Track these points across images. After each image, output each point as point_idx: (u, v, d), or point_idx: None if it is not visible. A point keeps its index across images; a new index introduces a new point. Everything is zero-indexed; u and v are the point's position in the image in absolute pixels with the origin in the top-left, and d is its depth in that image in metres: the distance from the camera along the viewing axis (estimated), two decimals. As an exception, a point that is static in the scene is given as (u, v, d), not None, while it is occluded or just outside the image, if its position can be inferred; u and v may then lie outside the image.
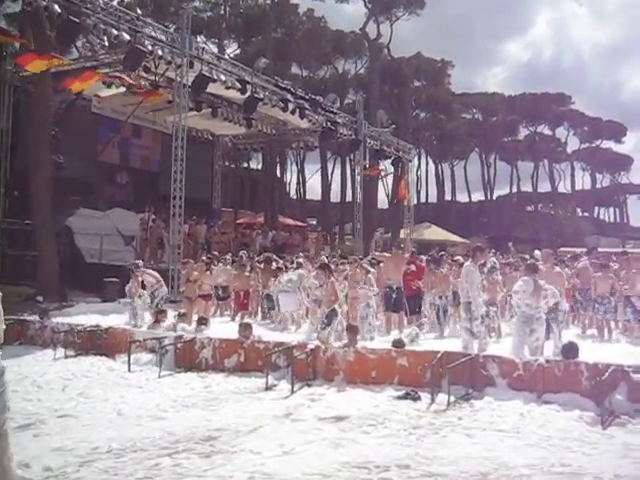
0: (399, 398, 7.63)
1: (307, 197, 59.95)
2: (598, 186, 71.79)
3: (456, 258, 13.47)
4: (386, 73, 49.03)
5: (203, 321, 10.96)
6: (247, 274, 14.79)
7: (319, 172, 55.10)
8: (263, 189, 44.48)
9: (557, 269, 10.25)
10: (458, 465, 5.24)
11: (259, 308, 14.81)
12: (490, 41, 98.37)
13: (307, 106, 24.84)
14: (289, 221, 40.56)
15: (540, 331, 9.04)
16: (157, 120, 27.12)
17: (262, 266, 14.82)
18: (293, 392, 7.97)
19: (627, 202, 74.03)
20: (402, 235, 32.14)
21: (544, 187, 67.64)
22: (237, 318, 14.32)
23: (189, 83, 20.19)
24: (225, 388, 8.26)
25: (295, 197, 60.75)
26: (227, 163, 46.75)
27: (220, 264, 15.06)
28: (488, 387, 7.72)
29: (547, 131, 66.01)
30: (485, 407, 7.16)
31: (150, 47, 18.21)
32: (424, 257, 14.62)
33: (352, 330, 9.08)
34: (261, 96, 22.50)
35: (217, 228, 25.55)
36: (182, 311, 12.22)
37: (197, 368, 9.43)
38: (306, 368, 8.49)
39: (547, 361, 7.59)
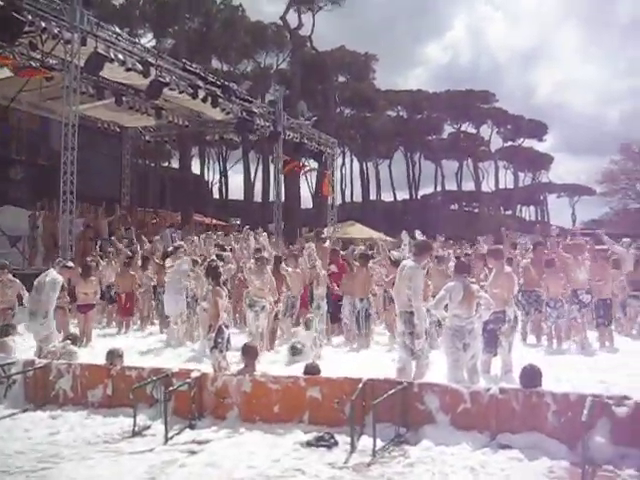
0: (309, 445, 5.68)
1: (231, 197, 57.66)
2: (520, 185, 72.25)
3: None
4: (309, 67, 47.44)
5: (70, 337, 8.79)
6: (132, 272, 12.64)
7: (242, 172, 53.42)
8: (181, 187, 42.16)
9: (507, 269, 8.45)
10: None
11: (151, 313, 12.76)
12: (410, 42, 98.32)
13: (219, 93, 22.72)
14: (208, 220, 38.57)
15: (475, 346, 7.33)
16: (57, 109, 24.47)
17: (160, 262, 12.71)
18: (167, 440, 5.92)
19: (547, 200, 75.04)
20: (325, 234, 30.38)
21: (468, 186, 67.61)
22: (123, 329, 12.21)
23: (81, 63, 17.84)
24: (77, 435, 6.12)
25: (218, 197, 58.34)
26: (147, 162, 44.29)
27: (106, 261, 12.92)
28: (426, 425, 5.86)
29: (471, 129, 65.81)
30: (423, 457, 5.29)
31: (30, 17, 15.76)
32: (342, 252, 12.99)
33: (248, 352, 7.07)
34: (167, 80, 20.22)
35: (119, 223, 23.07)
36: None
37: (53, 403, 7.20)
38: (189, 403, 6.43)
39: (501, 391, 5.77)
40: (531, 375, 5.89)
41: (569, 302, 10.83)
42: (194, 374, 6.58)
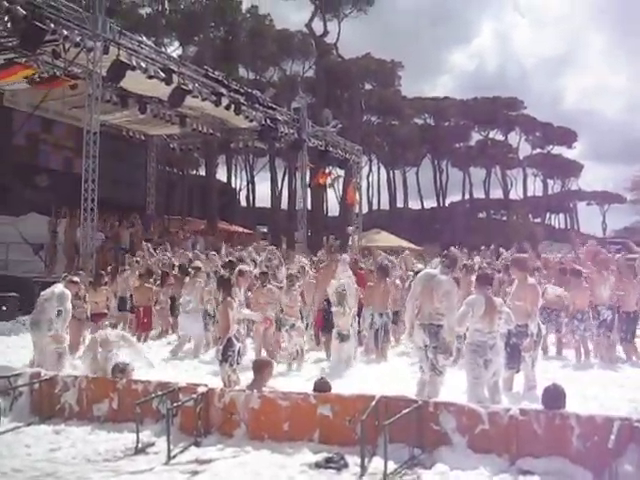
0: (317, 466, 5.39)
1: (258, 205, 57.72)
2: (549, 192, 71.26)
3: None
4: (334, 74, 47.30)
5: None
6: (148, 285, 12.48)
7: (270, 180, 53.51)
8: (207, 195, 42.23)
9: (531, 280, 8.08)
10: None
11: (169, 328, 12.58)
12: (436, 50, 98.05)
13: (242, 101, 22.61)
14: (233, 227, 38.66)
15: (497, 362, 6.94)
16: (82, 117, 24.58)
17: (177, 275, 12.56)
18: (170, 458, 5.67)
19: (577, 208, 73.92)
20: (350, 242, 30.12)
21: (496, 194, 66.82)
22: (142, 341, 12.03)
23: (103, 72, 17.85)
24: (78, 452, 5.89)
25: (245, 204, 58.50)
26: (174, 170, 44.52)
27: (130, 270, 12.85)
28: (442, 447, 5.53)
29: (499, 136, 65.10)
30: (437, 483, 4.98)
31: (53, 25, 15.75)
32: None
33: (259, 366, 6.80)
34: (189, 87, 20.16)
35: (141, 232, 22.96)
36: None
37: (59, 416, 7.01)
38: (195, 419, 6.18)
39: (522, 412, 5.42)
40: (554, 395, 5.52)
41: (591, 317, 10.41)
42: (201, 389, 6.33)
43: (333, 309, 10.13)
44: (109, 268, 14.18)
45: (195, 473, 5.32)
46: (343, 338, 9.87)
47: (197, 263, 12.22)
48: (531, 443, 5.26)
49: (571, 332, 10.59)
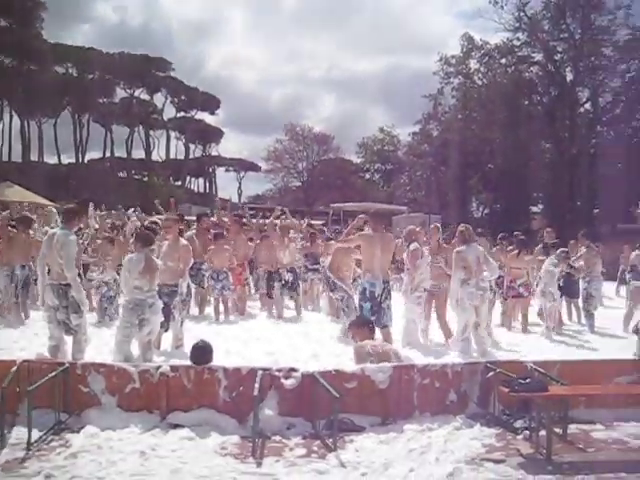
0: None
1: None
2: (191, 156, 73.26)
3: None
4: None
5: None
6: None
7: None
8: None
9: (184, 241, 8.23)
10: None
11: None
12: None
13: None
14: None
15: (155, 321, 6.99)
16: None
17: None
18: None
19: (216, 173, 77.47)
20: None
21: (138, 154, 66.51)
22: None
23: None
24: None
25: None
26: None
27: None
28: (91, 409, 5.39)
29: (145, 96, 64.57)
30: (87, 445, 4.81)
31: None
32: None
33: None
34: None
35: None
36: None
37: None
38: None
39: (173, 368, 5.54)
40: (202, 351, 5.78)
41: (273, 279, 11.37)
42: None
43: None
44: None
45: None
46: None
47: None
48: (181, 398, 5.43)
49: (212, 290, 11.20)
